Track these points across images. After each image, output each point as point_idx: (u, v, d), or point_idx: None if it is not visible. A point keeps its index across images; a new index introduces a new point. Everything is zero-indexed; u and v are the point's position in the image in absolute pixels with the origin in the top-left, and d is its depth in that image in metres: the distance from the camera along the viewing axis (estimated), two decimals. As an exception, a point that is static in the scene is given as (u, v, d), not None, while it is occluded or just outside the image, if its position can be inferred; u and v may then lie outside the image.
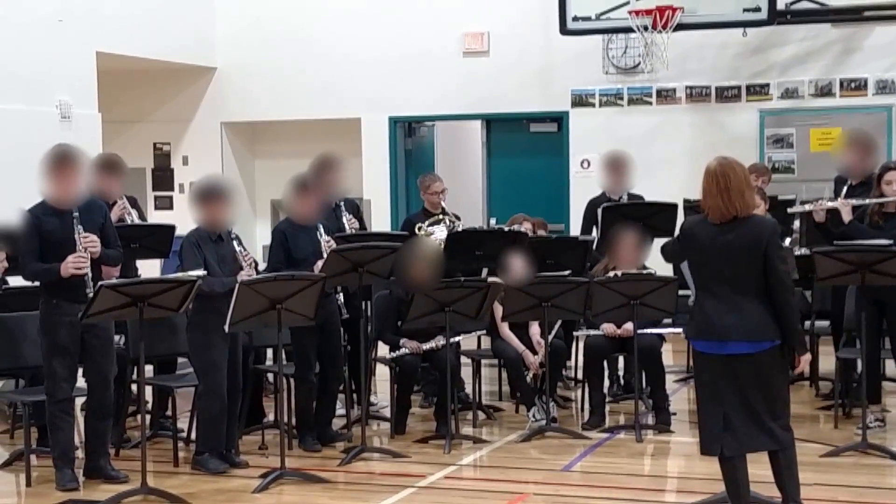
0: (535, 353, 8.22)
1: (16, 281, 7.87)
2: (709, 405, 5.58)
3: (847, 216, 7.83)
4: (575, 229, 11.01)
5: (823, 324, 8.85)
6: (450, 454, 7.43)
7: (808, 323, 8.68)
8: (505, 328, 8.31)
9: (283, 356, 7.13)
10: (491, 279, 7.99)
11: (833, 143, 11.49)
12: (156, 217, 13.55)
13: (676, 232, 5.90)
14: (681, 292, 7.61)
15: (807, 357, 5.63)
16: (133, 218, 8.53)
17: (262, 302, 6.69)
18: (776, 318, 5.45)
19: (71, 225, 6.66)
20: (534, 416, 8.08)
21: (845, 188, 8.09)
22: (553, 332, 8.17)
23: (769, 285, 5.46)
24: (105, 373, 6.85)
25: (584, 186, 11.84)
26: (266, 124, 14.70)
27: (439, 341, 7.84)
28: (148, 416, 7.70)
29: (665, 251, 6.04)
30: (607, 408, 8.41)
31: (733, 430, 5.49)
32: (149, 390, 7.77)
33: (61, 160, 6.73)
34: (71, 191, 6.71)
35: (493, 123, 14.14)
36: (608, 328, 8.19)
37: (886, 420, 7.96)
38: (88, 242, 6.67)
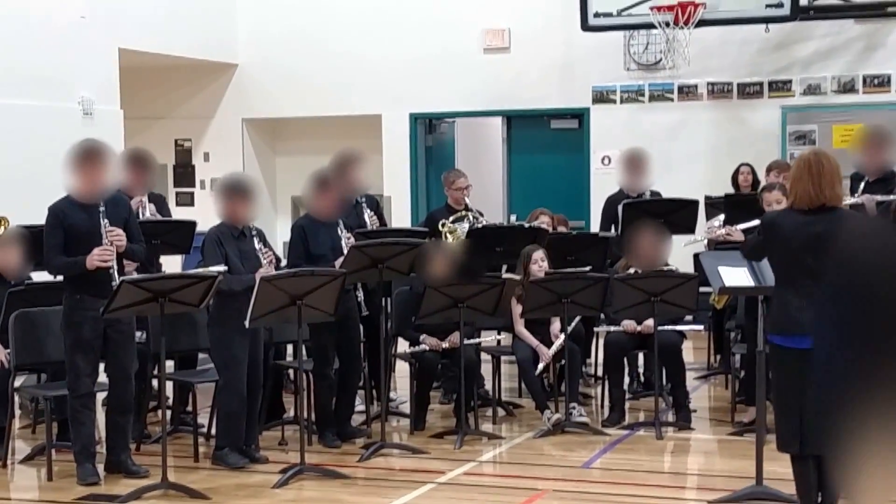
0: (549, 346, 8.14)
1: (39, 276, 7.91)
2: (787, 401, 5.45)
3: (872, 212, 7.76)
4: (595, 226, 10.98)
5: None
6: (469, 451, 7.43)
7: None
8: (520, 326, 8.25)
9: (304, 352, 7.13)
10: (507, 276, 7.96)
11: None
12: (177, 214, 13.55)
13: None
14: (701, 290, 7.58)
15: None
16: (147, 213, 8.54)
17: (283, 298, 6.70)
18: None
19: (96, 219, 6.68)
20: (548, 418, 8.02)
21: (862, 185, 8.03)
22: (571, 327, 8.11)
23: None
24: (126, 368, 6.88)
25: (604, 183, 11.78)
26: (287, 121, 14.72)
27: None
28: (168, 412, 7.74)
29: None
30: (627, 404, 8.40)
31: (811, 428, 5.35)
32: (169, 386, 7.80)
33: (88, 155, 6.76)
34: (97, 185, 6.73)
35: (514, 120, 14.13)
36: (629, 325, 8.17)
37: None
38: (114, 236, 6.70)
